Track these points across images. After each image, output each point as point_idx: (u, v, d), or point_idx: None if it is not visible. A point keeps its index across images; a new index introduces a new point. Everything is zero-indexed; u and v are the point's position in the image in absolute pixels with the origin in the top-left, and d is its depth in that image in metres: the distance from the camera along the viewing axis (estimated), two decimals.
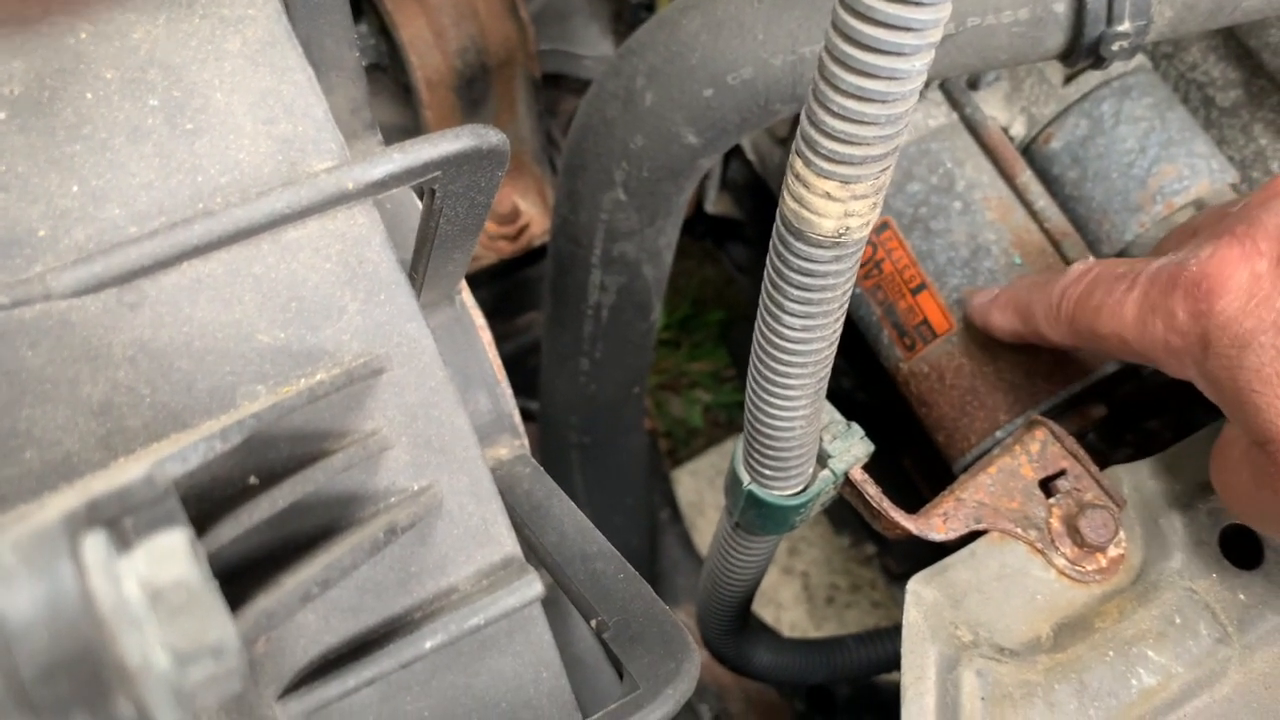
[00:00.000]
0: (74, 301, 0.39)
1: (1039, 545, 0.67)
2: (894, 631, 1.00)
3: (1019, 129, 0.93)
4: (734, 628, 0.91)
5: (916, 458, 1.12)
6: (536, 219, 1.22)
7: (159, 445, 0.37)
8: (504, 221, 1.21)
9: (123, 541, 0.27)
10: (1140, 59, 0.90)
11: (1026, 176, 0.86)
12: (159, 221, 0.40)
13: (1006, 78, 0.92)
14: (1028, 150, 0.92)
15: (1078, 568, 0.67)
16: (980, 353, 0.82)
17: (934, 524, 0.68)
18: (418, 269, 0.53)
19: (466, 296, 0.64)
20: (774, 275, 0.51)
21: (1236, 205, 0.60)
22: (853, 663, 1.00)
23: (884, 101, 0.41)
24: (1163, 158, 0.86)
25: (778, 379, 0.56)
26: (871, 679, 1.21)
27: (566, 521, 0.57)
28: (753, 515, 0.67)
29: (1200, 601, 0.65)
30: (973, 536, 0.68)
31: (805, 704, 1.30)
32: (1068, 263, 0.84)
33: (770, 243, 0.50)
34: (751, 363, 0.57)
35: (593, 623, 0.52)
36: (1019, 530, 0.68)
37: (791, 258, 0.49)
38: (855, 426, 0.67)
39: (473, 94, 1.13)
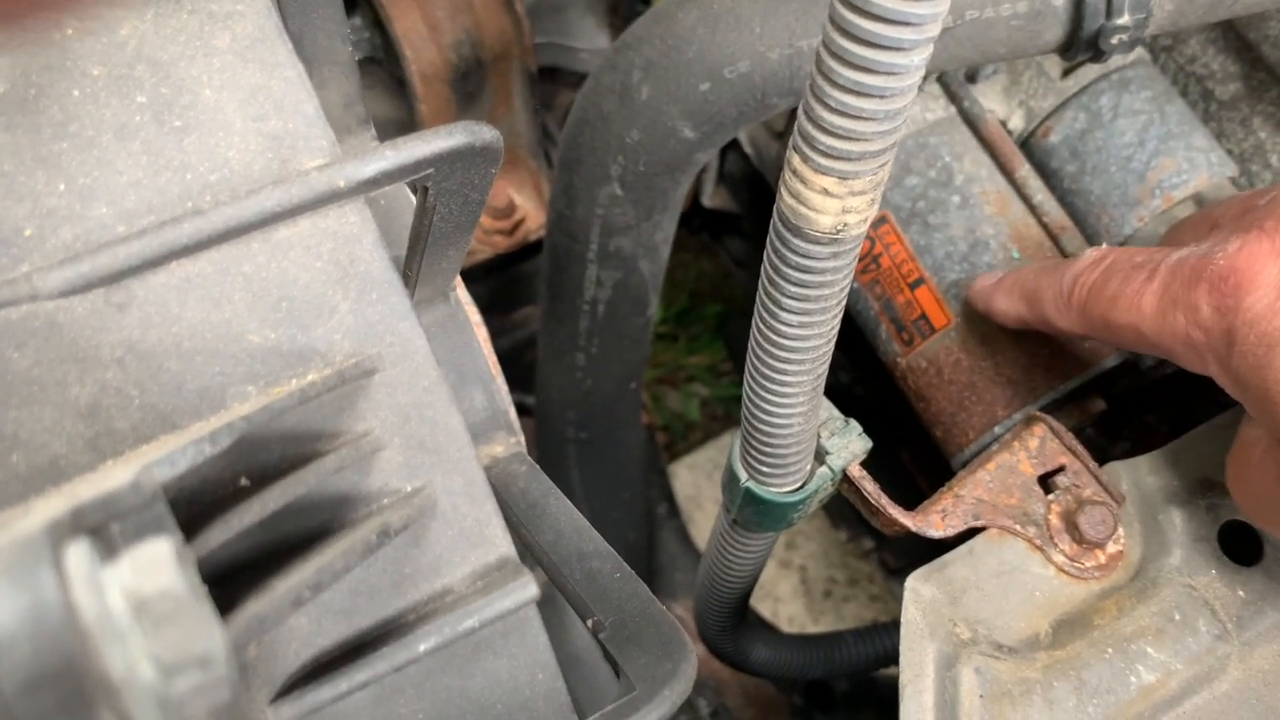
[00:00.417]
0: (61, 302, 0.38)
1: (1038, 542, 0.67)
2: (892, 627, 1.00)
3: (1017, 122, 0.92)
4: (732, 623, 0.91)
5: (914, 452, 1.11)
6: (532, 213, 1.22)
7: (148, 447, 0.37)
8: (499, 216, 1.20)
9: (109, 548, 0.27)
10: (1139, 52, 0.90)
11: (1025, 170, 0.86)
12: (147, 220, 0.40)
13: (1005, 71, 0.92)
14: (1026, 144, 0.92)
15: (1076, 564, 0.67)
16: (978, 348, 0.82)
17: (932, 521, 0.68)
18: (411, 266, 0.52)
19: (461, 293, 0.64)
20: (771, 272, 0.50)
21: (1265, 198, 0.59)
22: (851, 658, 1.00)
23: (882, 97, 0.41)
24: (1162, 151, 0.85)
25: (775, 376, 0.55)
26: (870, 674, 1.21)
27: (563, 520, 0.57)
28: (750, 512, 0.67)
29: (1199, 598, 0.65)
30: (971, 533, 0.68)
31: (803, 699, 1.30)
32: (1067, 257, 0.83)
33: (767, 239, 0.50)
34: (749, 359, 0.57)
35: (589, 623, 0.52)
36: (1018, 527, 0.67)
37: (789, 254, 0.48)
38: (853, 423, 0.67)
39: (468, 87, 1.12)
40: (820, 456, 0.66)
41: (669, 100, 0.77)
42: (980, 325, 0.82)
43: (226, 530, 0.35)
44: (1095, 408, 0.82)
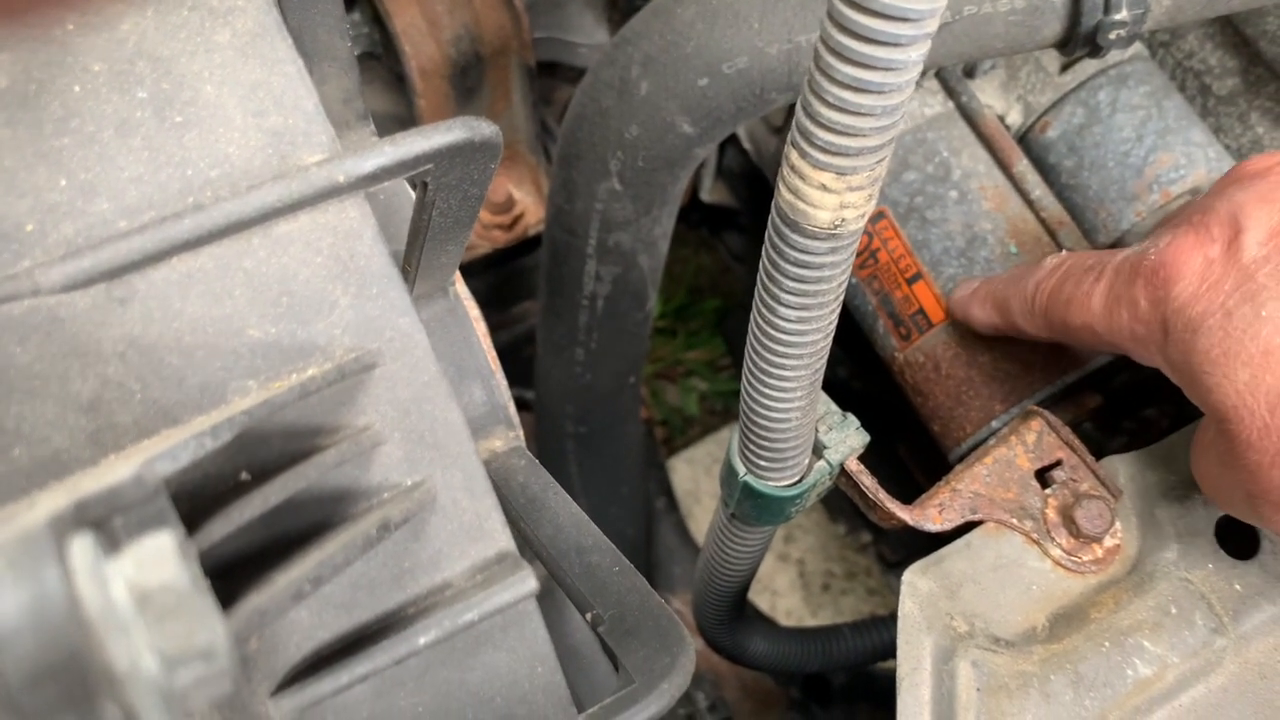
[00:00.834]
0: (63, 297, 0.38)
1: (1035, 536, 0.67)
2: (889, 620, 1.00)
3: (1015, 117, 0.92)
4: (730, 617, 0.91)
5: (912, 446, 1.12)
6: (531, 208, 1.22)
7: (149, 442, 0.37)
8: (499, 211, 1.20)
9: (112, 542, 0.27)
10: (1137, 47, 0.90)
11: (1023, 165, 0.86)
12: (148, 216, 0.40)
13: (1003, 66, 0.92)
14: (1024, 139, 0.92)
15: (1073, 558, 0.67)
16: (976, 342, 0.82)
17: (930, 515, 0.68)
18: (411, 261, 0.52)
19: (461, 287, 0.64)
20: (769, 267, 0.51)
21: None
22: (848, 652, 1.00)
23: (880, 93, 0.41)
24: (1159, 146, 0.85)
25: (773, 370, 0.56)
26: (867, 668, 1.22)
27: (562, 514, 0.57)
28: (748, 506, 0.67)
29: (1196, 592, 0.65)
30: (968, 527, 0.68)
31: (801, 692, 1.30)
32: (1064, 252, 0.84)
33: (765, 234, 0.50)
34: (747, 354, 0.57)
35: (588, 616, 0.52)
36: (1015, 521, 0.68)
37: (787, 249, 0.49)
38: (851, 417, 0.67)
39: (467, 83, 1.12)
40: (818, 451, 0.66)
41: (668, 95, 0.77)
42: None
43: (228, 524, 0.35)
44: (1092, 402, 0.83)
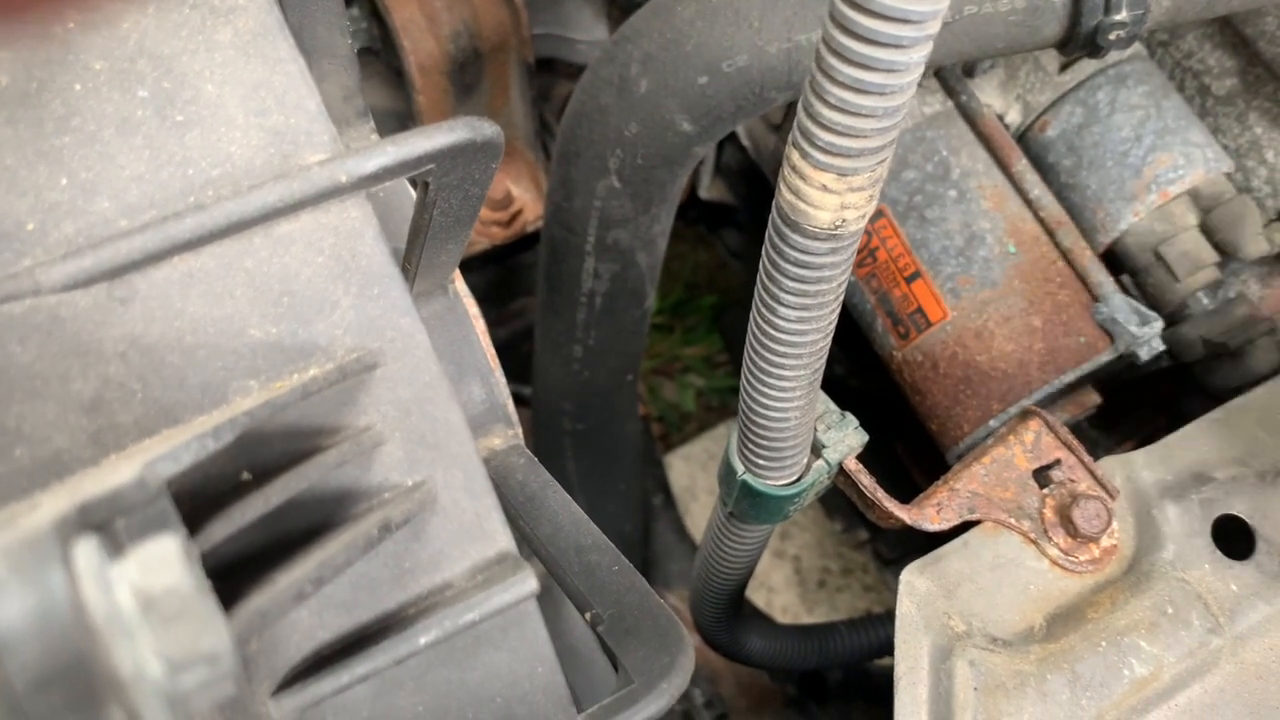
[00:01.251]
0: (64, 296, 0.38)
1: (1032, 535, 0.67)
2: (886, 617, 1.00)
3: (1014, 116, 0.92)
4: (727, 614, 0.91)
5: (910, 445, 1.12)
6: (530, 205, 1.22)
7: (150, 442, 0.37)
8: (497, 207, 1.20)
9: (115, 544, 0.27)
10: (1136, 46, 0.90)
11: (1022, 165, 0.86)
12: (149, 215, 0.40)
13: (1002, 65, 0.92)
14: (1023, 138, 0.92)
15: (1071, 558, 0.67)
16: (974, 342, 0.82)
17: (928, 514, 0.68)
18: (411, 260, 0.52)
19: (460, 285, 0.64)
20: (770, 266, 0.51)
21: None
22: (845, 649, 1.00)
23: (881, 94, 0.41)
24: (1158, 146, 0.86)
25: (773, 370, 0.56)
26: (863, 665, 1.22)
27: (561, 513, 0.57)
28: (747, 505, 0.67)
29: (1192, 592, 0.65)
30: (966, 526, 0.68)
31: (797, 689, 1.30)
32: (1062, 251, 0.84)
33: (766, 234, 0.50)
34: (746, 354, 0.57)
35: (587, 616, 0.52)
36: (1012, 520, 0.68)
37: (787, 249, 0.49)
38: (849, 416, 0.67)
39: (465, 79, 1.12)
40: (817, 450, 0.66)
41: (667, 94, 0.77)
42: (976, 319, 0.82)
43: (229, 525, 0.35)
44: (1090, 402, 0.83)
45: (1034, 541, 0.67)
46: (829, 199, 0.45)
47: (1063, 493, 0.68)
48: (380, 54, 1.17)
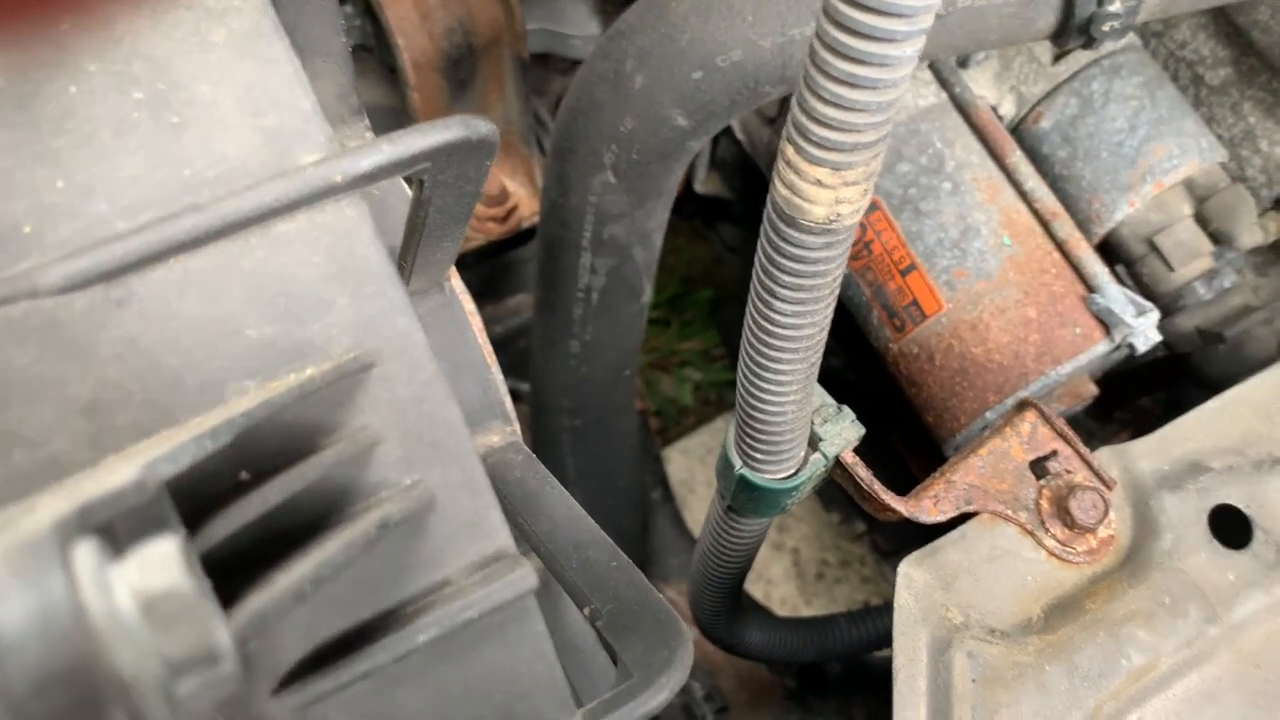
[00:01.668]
0: (60, 299, 0.38)
1: (1029, 527, 0.68)
2: (884, 609, 1.00)
3: (1008, 108, 0.93)
4: (726, 607, 0.92)
5: (906, 437, 1.12)
6: (525, 200, 1.22)
7: (148, 443, 0.37)
8: (493, 203, 1.20)
9: (114, 546, 0.27)
10: (1130, 37, 0.90)
11: (1016, 157, 0.86)
12: (146, 216, 0.40)
13: (996, 56, 0.92)
14: (1017, 129, 0.92)
15: (1068, 549, 0.67)
16: (969, 334, 0.82)
17: (925, 506, 0.68)
18: (406, 258, 0.52)
19: (456, 282, 0.64)
20: (765, 261, 0.51)
21: None
22: (844, 641, 1.01)
23: (875, 88, 0.41)
24: (1153, 136, 0.86)
25: (769, 364, 0.56)
26: (862, 657, 1.22)
27: (559, 509, 0.57)
28: (744, 498, 0.67)
29: (1189, 582, 0.65)
30: (963, 518, 0.69)
31: (796, 682, 1.30)
32: (1057, 243, 0.84)
33: (761, 229, 0.50)
34: (743, 348, 0.57)
35: (586, 611, 0.52)
36: (1009, 512, 0.68)
37: (783, 244, 0.49)
38: (846, 409, 0.67)
39: (459, 75, 1.12)
40: (814, 443, 0.66)
41: (662, 88, 0.77)
42: (972, 311, 0.82)
43: (228, 525, 0.36)
44: (1087, 393, 0.83)
45: (1031, 533, 0.68)
46: (823, 193, 0.45)
47: (1059, 484, 0.68)
48: (374, 51, 1.16)
